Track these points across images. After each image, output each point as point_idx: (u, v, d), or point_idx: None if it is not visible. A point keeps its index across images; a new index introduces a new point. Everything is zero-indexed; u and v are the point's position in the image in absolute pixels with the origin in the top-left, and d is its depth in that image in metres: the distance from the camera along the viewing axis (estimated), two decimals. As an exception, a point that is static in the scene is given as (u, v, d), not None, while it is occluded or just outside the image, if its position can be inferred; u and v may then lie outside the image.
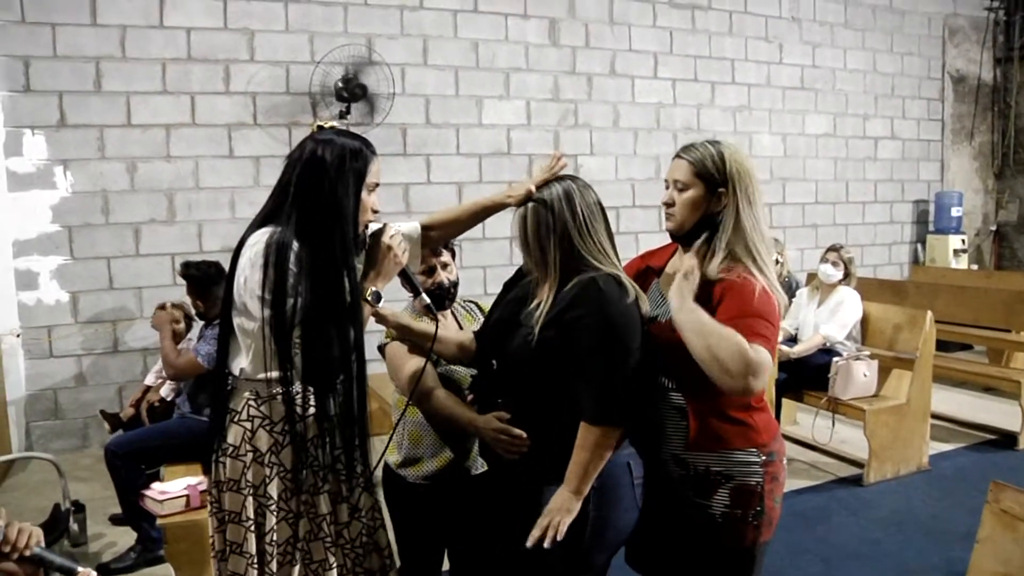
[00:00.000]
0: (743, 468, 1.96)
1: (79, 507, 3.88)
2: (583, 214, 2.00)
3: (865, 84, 8.28)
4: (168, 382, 4.25)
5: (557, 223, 1.99)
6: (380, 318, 2.18)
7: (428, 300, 2.22)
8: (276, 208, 1.97)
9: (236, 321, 1.96)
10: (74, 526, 3.69)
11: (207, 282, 3.96)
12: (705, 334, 1.80)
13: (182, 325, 4.21)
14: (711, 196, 2.00)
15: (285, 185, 1.97)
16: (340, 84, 5.77)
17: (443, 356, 2.36)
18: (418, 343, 2.33)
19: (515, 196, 2.11)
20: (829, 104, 8.08)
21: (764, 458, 1.97)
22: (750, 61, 7.60)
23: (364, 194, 1.98)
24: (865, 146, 8.35)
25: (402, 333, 2.35)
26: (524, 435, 2.00)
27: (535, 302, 2.05)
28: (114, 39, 5.42)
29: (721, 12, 7.43)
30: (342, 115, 5.78)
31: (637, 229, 7.08)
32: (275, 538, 1.92)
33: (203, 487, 3.16)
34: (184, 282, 4.08)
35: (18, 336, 5.30)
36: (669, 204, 2.06)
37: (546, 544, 1.85)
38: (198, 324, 4.17)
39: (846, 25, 8.10)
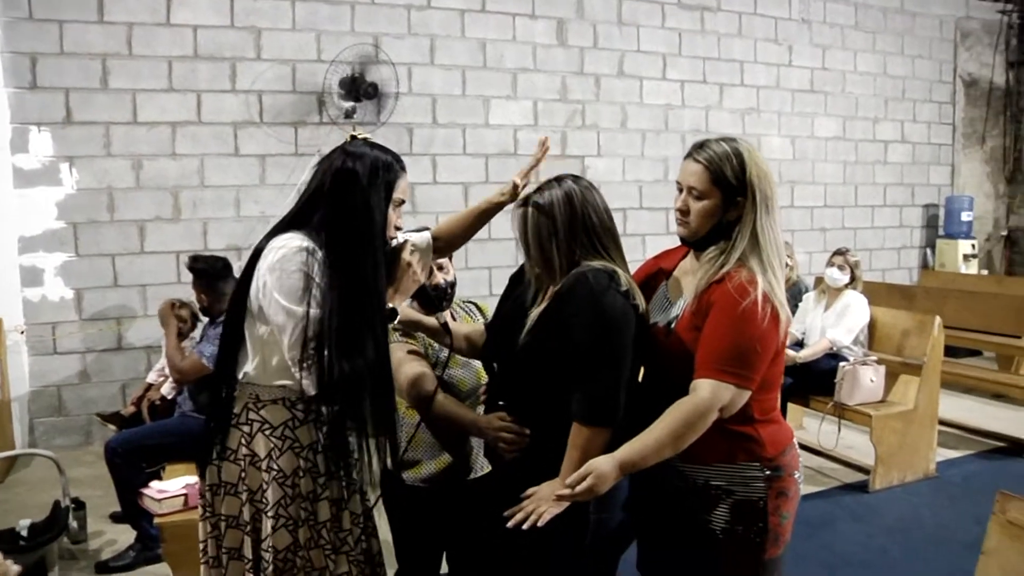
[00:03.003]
0: (744, 483, 1.89)
1: (79, 504, 3.86)
2: (583, 217, 1.96)
3: (875, 87, 8.23)
4: (169, 381, 4.24)
5: (558, 226, 1.95)
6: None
7: (445, 319, 2.21)
8: (303, 214, 1.95)
9: (247, 324, 1.94)
10: (74, 523, 3.67)
11: (214, 276, 3.95)
12: (664, 444, 1.75)
13: (188, 324, 4.19)
14: (728, 204, 1.89)
15: (315, 192, 1.96)
16: (348, 83, 5.75)
17: (457, 350, 2.34)
18: (435, 339, 2.34)
19: (506, 193, 2.10)
20: (839, 107, 8.03)
21: (768, 473, 1.89)
22: (759, 63, 7.56)
23: (389, 209, 1.97)
24: (875, 149, 8.30)
25: (415, 330, 2.34)
26: (526, 431, 1.97)
27: (537, 304, 2.03)
28: (121, 36, 5.42)
29: (730, 13, 7.39)
30: (348, 114, 5.77)
31: (644, 231, 7.05)
32: (272, 544, 1.90)
33: (202, 486, 3.15)
34: (191, 276, 4.06)
35: (22, 332, 5.31)
36: (683, 211, 1.95)
37: (525, 526, 1.78)
38: (202, 324, 4.15)
39: (856, 27, 8.05)
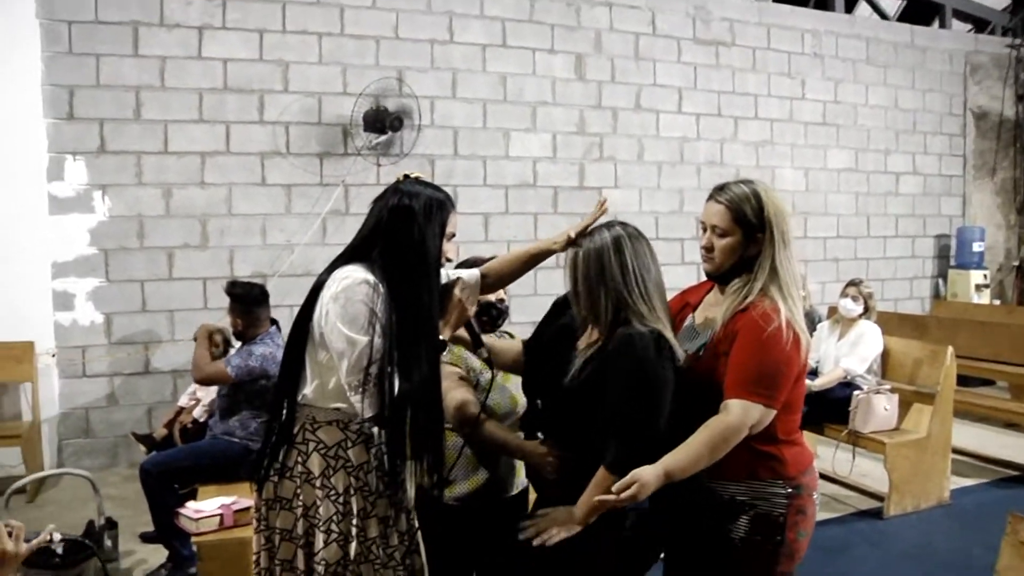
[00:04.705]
0: (767, 498, 2.01)
1: (112, 524, 3.96)
2: (632, 264, 2.05)
3: (887, 120, 8.34)
4: (201, 405, 4.36)
5: (607, 273, 2.04)
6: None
7: (487, 354, 2.32)
8: (362, 249, 2.08)
9: (308, 350, 2.06)
10: (107, 542, 3.77)
11: (251, 302, 4.06)
12: (701, 456, 1.89)
13: (220, 349, 4.31)
14: (748, 241, 2.06)
15: (373, 228, 2.09)
16: (373, 115, 5.91)
17: (499, 366, 2.45)
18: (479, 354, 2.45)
19: (559, 242, 2.21)
20: (851, 139, 8.15)
21: (790, 491, 2.01)
22: (773, 96, 7.70)
23: (443, 243, 2.10)
24: (886, 181, 8.40)
25: (463, 344, 2.45)
26: (569, 455, 2.08)
27: (583, 344, 2.14)
28: (154, 69, 5.60)
29: (744, 48, 7.54)
30: (372, 146, 5.92)
31: (661, 262, 7.08)
32: (324, 557, 2.00)
33: (237, 507, 3.25)
34: (227, 300, 4.15)
35: (54, 356, 5.44)
36: (708, 248, 2.11)
37: (535, 542, 1.93)
38: (234, 349, 4.26)
39: (868, 61, 8.18)
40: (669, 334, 2.04)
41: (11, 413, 5.40)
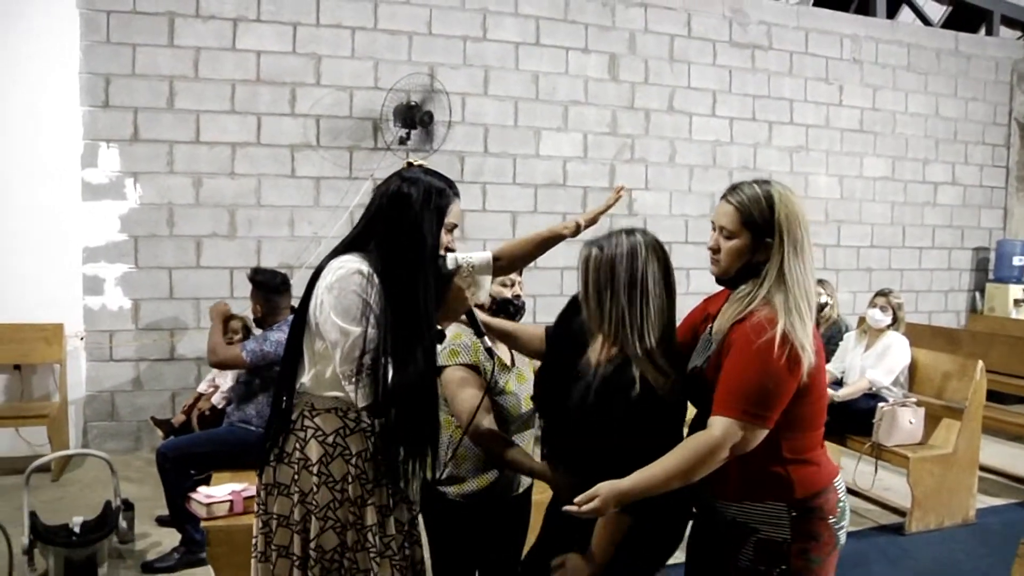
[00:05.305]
0: (768, 522, 1.91)
1: (128, 505, 4.01)
2: (642, 276, 1.99)
3: (926, 128, 8.18)
4: (219, 392, 4.40)
5: (616, 282, 1.99)
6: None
7: (490, 343, 2.30)
8: (361, 237, 2.07)
9: (306, 338, 2.06)
10: (123, 523, 3.82)
11: (271, 290, 4.12)
12: (672, 476, 1.82)
13: (240, 336, 4.36)
14: (757, 245, 1.93)
15: (371, 216, 2.08)
16: (404, 110, 5.93)
17: (525, 352, 2.48)
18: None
19: (569, 228, 2.20)
20: (888, 147, 8.00)
21: (795, 514, 1.90)
22: (809, 102, 7.59)
23: (442, 232, 2.07)
24: (924, 191, 8.24)
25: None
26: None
27: (592, 355, 2.11)
28: (188, 60, 5.68)
29: (781, 52, 7.44)
30: (402, 140, 5.94)
31: (689, 265, 7.05)
32: (320, 544, 2.00)
33: (247, 493, 3.27)
34: (250, 287, 4.21)
35: (82, 339, 5.54)
36: (715, 250, 2.00)
37: None
38: (253, 336, 4.30)
39: (908, 68, 8.03)
40: (662, 362, 1.97)
41: (40, 393, 5.52)
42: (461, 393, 2.41)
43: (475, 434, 2.35)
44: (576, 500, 1.80)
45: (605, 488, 1.80)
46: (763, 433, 1.84)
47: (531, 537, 2.53)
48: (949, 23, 8.71)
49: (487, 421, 2.37)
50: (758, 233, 1.93)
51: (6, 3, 5.28)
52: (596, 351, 2.10)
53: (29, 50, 5.33)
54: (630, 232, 2.04)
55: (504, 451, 2.33)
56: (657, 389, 1.94)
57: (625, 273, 1.98)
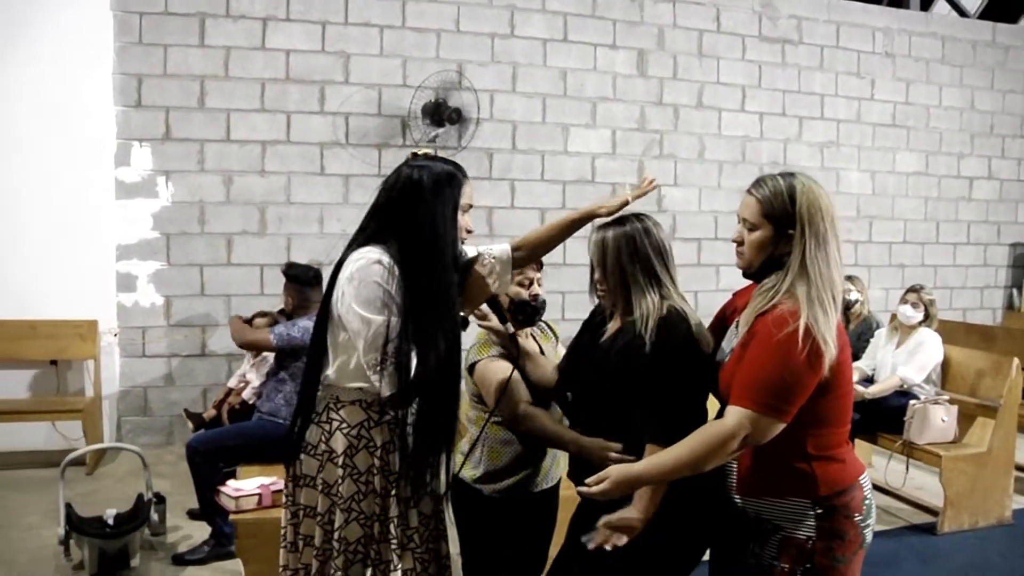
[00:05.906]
0: (792, 520, 1.89)
1: (160, 499, 4.08)
2: (667, 245, 2.16)
3: (961, 122, 8.03)
4: (249, 387, 4.45)
5: (640, 253, 2.12)
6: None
7: (513, 329, 2.31)
8: (376, 229, 2.07)
9: (329, 330, 2.07)
10: (154, 516, 3.88)
11: (304, 283, 4.21)
12: (682, 464, 1.83)
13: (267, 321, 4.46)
14: (779, 237, 1.91)
15: (382, 208, 2.08)
16: (432, 108, 5.95)
17: (532, 378, 2.45)
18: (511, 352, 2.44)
19: (608, 207, 2.22)
20: (921, 142, 7.87)
21: (820, 511, 1.87)
22: (840, 96, 7.48)
23: (459, 215, 2.08)
24: (959, 186, 8.09)
25: (499, 338, 2.46)
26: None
27: (606, 338, 2.17)
28: (219, 59, 5.74)
29: (812, 47, 7.35)
30: (431, 138, 5.96)
31: (719, 262, 7.03)
32: (344, 535, 2.01)
33: (275, 487, 3.30)
34: (282, 281, 4.32)
35: (116, 335, 5.63)
36: (739, 242, 2.00)
37: (607, 546, 1.93)
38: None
39: (943, 61, 7.89)
40: (688, 308, 2.12)
41: (75, 388, 5.61)
42: (496, 381, 2.42)
43: (523, 415, 2.38)
44: (587, 481, 1.84)
45: (616, 471, 1.84)
46: (779, 426, 1.82)
47: (558, 532, 2.54)
48: (986, 14, 8.54)
49: (525, 395, 2.40)
50: (780, 225, 1.91)
51: (43, 6, 5.38)
52: (614, 325, 2.19)
53: (64, 52, 5.43)
54: (638, 217, 2.19)
55: (556, 426, 2.37)
56: (692, 327, 2.07)
57: (647, 243, 2.13)
